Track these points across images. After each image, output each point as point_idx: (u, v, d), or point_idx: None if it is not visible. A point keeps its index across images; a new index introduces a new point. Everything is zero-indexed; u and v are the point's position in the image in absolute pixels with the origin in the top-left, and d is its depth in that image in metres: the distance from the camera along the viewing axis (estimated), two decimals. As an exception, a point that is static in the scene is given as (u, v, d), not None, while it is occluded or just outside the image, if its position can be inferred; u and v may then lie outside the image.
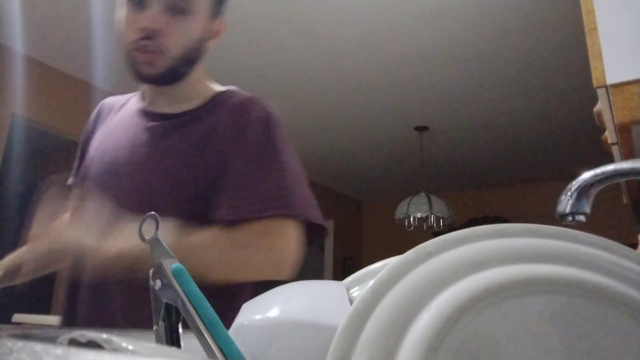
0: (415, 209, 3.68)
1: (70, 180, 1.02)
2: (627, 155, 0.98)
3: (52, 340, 0.29)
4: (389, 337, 0.26)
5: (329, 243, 5.82)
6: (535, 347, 0.25)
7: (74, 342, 0.28)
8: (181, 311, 0.34)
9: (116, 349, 0.25)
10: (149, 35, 0.81)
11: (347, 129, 4.04)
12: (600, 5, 0.78)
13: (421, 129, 3.96)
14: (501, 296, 0.26)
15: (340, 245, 5.96)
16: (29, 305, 4.44)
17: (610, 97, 0.76)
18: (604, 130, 1.14)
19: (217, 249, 0.76)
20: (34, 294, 4.52)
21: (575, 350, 0.25)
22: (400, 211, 3.78)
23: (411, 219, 3.76)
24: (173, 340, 0.36)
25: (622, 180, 0.47)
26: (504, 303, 0.26)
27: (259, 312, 0.37)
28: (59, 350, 0.19)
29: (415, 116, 3.75)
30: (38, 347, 0.19)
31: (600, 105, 0.87)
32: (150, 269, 0.36)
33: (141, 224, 0.38)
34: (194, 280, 0.36)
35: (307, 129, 4.08)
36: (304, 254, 0.80)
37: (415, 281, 0.28)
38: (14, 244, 0.95)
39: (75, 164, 1.01)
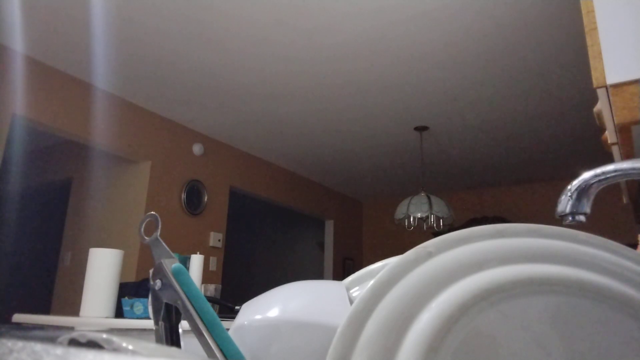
0: (415, 209, 3.67)
1: None
2: (627, 155, 0.97)
3: (52, 340, 0.29)
4: (389, 337, 0.26)
5: (329, 243, 5.82)
6: (535, 347, 0.25)
7: (74, 342, 0.28)
8: (181, 311, 0.34)
9: (116, 349, 0.25)
10: None
11: (347, 129, 4.05)
12: (600, 5, 0.78)
13: (421, 129, 3.96)
14: (501, 296, 0.26)
15: (340, 245, 5.95)
16: (29, 305, 4.44)
17: (610, 97, 0.76)
18: (604, 130, 1.14)
19: None
20: (34, 294, 4.52)
21: (575, 350, 0.25)
22: (400, 211, 3.78)
23: (411, 219, 3.76)
24: (173, 340, 0.36)
25: (622, 180, 0.47)
26: (504, 303, 0.26)
27: (259, 312, 0.37)
28: (59, 350, 0.19)
29: (415, 116, 3.76)
30: (38, 347, 0.19)
31: (600, 105, 0.87)
32: (150, 269, 0.36)
33: (141, 223, 0.38)
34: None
35: (307, 129, 4.09)
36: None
37: (415, 281, 0.28)
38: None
39: None
